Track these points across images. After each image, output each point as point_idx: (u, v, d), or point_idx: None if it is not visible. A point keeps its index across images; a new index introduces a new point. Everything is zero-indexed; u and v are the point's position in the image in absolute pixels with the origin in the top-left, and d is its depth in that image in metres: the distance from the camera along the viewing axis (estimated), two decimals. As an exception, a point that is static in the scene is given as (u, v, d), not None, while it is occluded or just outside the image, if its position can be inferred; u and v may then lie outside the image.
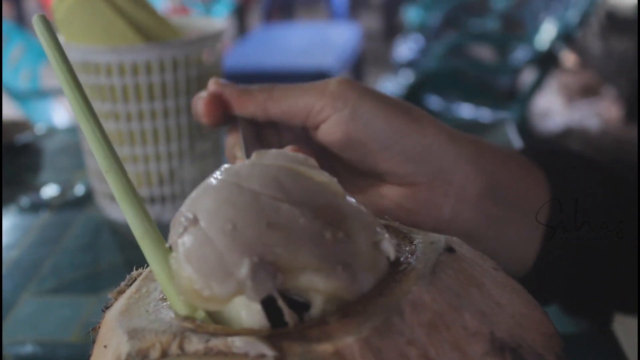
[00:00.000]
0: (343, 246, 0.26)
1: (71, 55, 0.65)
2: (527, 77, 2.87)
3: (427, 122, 0.43)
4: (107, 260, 0.65)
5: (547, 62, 2.88)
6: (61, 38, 0.66)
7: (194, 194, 0.28)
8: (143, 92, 0.65)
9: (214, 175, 0.28)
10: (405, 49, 3.52)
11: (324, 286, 0.25)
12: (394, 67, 3.40)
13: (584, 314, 0.52)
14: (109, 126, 0.66)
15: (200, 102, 0.45)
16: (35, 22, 0.31)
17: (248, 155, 0.42)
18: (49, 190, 0.79)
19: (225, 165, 0.29)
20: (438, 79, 2.70)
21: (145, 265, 0.30)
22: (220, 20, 0.72)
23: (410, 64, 3.24)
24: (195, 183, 0.67)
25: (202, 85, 0.65)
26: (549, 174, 0.47)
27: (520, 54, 2.99)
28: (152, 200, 0.69)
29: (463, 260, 0.30)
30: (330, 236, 0.26)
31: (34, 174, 0.84)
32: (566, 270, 0.47)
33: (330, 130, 0.43)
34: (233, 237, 0.25)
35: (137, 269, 0.33)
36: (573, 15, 2.97)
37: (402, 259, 0.29)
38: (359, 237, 0.27)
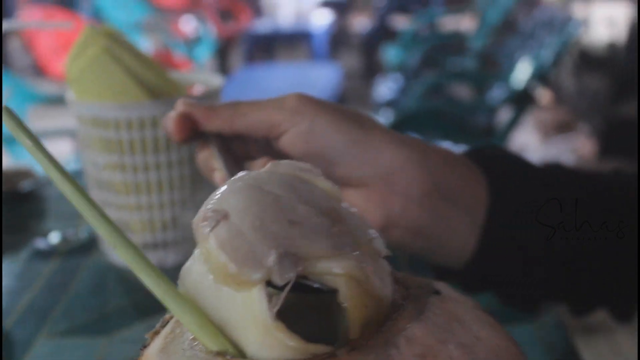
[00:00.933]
0: (347, 238, 0.32)
1: (82, 112, 0.70)
2: (504, 114, 2.95)
3: (377, 130, 0.50)
4: (114, 303, 0.69)
5: (523, 100, 2.96)
6: (72, 95, 0.72)
7: (218, 195, 0.32)
8: (149, 145, 0.70)
9: (235, 180, 0.33)
10: (385, 88, 3.60)
11: (338, 268, 0.30)
12: (374, 106, 3.48)
13: (516, 302, 0.57)
14: (115, 177, 0.71)
15: (170, 121, 0.50)
16: (4, 116, 0.34)
17: (227, 167, 0.48)
18: (55, 237, 0.83)
19: (242, 172, 0.34)
20: (417, 118, 2.78)
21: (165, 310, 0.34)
22: (219, 77, 0.78)
23: (390, 103, 3.32)
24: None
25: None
26: (488, 174, 0.53)
27: (497, 92, 3.07)
28: (156, 245, 0.74)
29: (448, 301, 0.35)
30: (337, 230, 0.32)
31: (40, 221, 0.89)
32: (501, 262, 0.53)
33: (290, 142, 0.48)
34: (261, 231, 0.30)
35: (144, 311, 0.37)
36: (547, 54, 3.07)
37: (398, 301, 0.34)
38: (357, 234, 0.33)
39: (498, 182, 0.53)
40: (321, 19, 4.52)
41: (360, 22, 7.26)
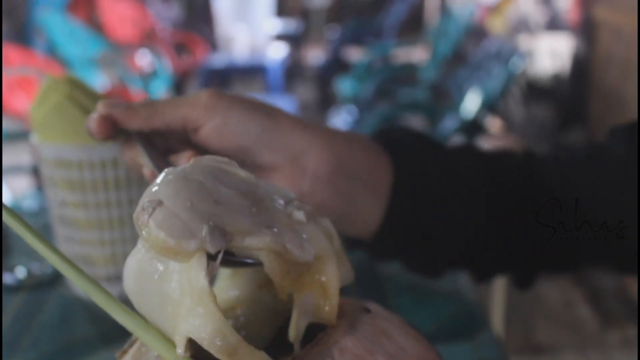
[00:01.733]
0: (266, 216, 0.38)
1: (46, 153, 0.75)
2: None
3: (285, 118, 0.55)
4: (80, 332, 0.74)
5: (473, 129, 3.06)
6: (36, 138, 0.76)
7: (150, 189, 0.37)
8: (110, 183, 0.75)
9: (164, 174, 0.38)
10: (340, 119, 3.68)
11: (259, 243, 0.36)
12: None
13: (419, 269, 0.64)
14: (79, 214, 0.76)
15: (92, 121, 0.52)
16: (4, 214, 0.38)
17: (153, 162, 0.52)
18: (21, 272, 0.87)
19: (168, 169, 0.39)
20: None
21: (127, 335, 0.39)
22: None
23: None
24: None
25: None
26: (393, 154, 0.59)
27: (449, 122, 3.17)
28: (118, 277, 0.79)
29: (377, 318, 0.41)
30: (256, 210, 0.38)
31: (6, 256, 0.93)
32: (404, 233, 0.59)
33: (206, 136, 0.53)
34: (192, 211, 0.36)
35: (109, 339, 0.42)
36: (495, 85, 3.18)
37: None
38: (275, 212, 0.39)
39: (402, 161, 0.59)
40: (276, 53, 4.60)
41: (315, 55, 7.38)
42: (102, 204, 0.76)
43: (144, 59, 5.12)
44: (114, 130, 0.53)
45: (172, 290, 0.35)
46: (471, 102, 3.13)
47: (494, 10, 4.45)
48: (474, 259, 0.64)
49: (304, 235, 0.39)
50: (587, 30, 3.26)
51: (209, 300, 0.34)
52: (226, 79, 4.39)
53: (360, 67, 4.38)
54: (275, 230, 0.38)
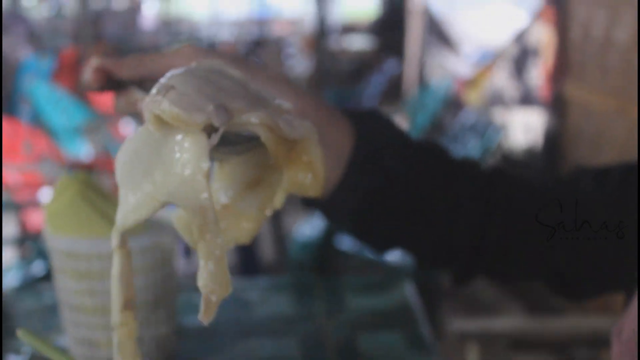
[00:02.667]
0: (258, 100, 0.46)
1: (58, 245, 0.83)
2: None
3: (260, 72, 0.62)
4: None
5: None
6: (49, 230, 0.84)
7: (162, 79, 0.45)
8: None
9: (171, 72, 0.46)
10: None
11: (254, 118, 0.45)
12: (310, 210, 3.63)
13: (368, 240, 0.70)
14: (85, 300, 0.84)
15: (88, 72, 0.59)
16: (22, 336, 0.46)
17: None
18: (26, 354, 0.94)
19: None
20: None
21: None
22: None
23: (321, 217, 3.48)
24: (158, 343, 0.84)
25: (165, 264, 0.84)
26: (357, 124, 0.66)
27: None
28: (119, 358, 0.86)
29: None
30: (251, 95, 0.46)
31: (11, 339, 0.99)
32: (357, 200, 0.65)
33: None
34: (200, 93, 0.44)
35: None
36: (473, 157, 3.29)
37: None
38: (265, 99, 0.47)
39: (363, 131, 0.66)
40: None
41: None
42: (108, 292, 0.83)
43: (127, 128, 5.21)
44: (107, 80, 0.60)
45: (169, 159, 0.43)
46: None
47: (470, 83, 4.62)
48: (417, 241, 0.70)
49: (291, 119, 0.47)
50: (557, 106, 3.41)
51: (202, 177, 0.42)
52: (209, 149, 4.50)
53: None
54: (268, 110, 0.46)
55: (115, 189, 0.92)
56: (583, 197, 0.68)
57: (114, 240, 0.44)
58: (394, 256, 2.61)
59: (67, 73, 7.29)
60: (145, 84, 0.62)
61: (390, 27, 10.70)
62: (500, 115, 4.01)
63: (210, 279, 0.42)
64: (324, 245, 2.67)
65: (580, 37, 3.17)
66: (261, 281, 1.16)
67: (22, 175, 3.45)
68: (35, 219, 3.10)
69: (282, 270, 3.07)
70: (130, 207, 0.44)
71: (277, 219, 3.14)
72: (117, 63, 0.61)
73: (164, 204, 0.43)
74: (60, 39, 12.82)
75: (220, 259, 0.42)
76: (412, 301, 1.05)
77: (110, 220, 0.83)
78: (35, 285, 2.06)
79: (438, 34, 6.02)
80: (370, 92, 6.25)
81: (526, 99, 3.89)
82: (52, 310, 1.02)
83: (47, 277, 2.05)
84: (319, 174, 0.48)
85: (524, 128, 3.87)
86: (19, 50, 5.58)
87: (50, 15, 16.26)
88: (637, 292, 0.48)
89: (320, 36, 11.82)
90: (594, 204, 0.67)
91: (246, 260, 2.79)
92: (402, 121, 5.13)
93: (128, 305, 0.45)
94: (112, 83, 0.61)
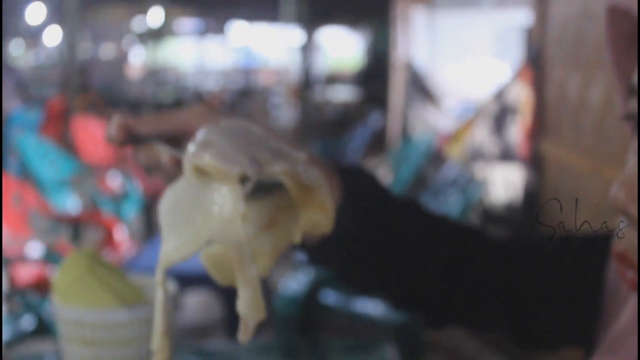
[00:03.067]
0: (279, 152, 0.54)
1: (66, 315, 0.91)
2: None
3: (269, 129, 0.68)
4: None
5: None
6: (57, 301, 0.92)
7: (198, 137, 0.54)
8: (119, 342, 0.90)
9: (205, 130, 0.55)
10: (305, 243, 3.83)
11: (279, 169, 0.52)
12: (295, 265, 3.70)
13: (353, 284, 0.80)
14: (90, 366, 0.91)
15: (112, 128, 0.66)
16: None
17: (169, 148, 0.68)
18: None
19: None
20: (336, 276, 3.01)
21: None
22: (172, 284, 0.99)
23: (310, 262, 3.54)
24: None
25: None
26: (344, 181, 0.74)
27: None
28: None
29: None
30: (273, 150, 0.54)
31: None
32: (343, 248, 0.73)
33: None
34: (235, 148, 0.52)
35: None
36: (454, 211, 3.39)
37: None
38: (284, 152, 0.55)
39: (350, 186, 0.74)
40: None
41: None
42: (112, 358, 0.91)
43: (114, 181, 5.27)
44: (129, 136, 0.67)
45: (211, 203, 0.51)
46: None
47: (451, 137, 4.74)
48: (392, 287, 0.79)
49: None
50: (536, 163, 3.53)
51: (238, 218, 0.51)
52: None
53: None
54: (287, 161, 0.54)
55: (102, 242, 0.99)
56: (545, 262, 0.77)
57: (158, 276, 0.52)
58: (377, 311, 2.68)
59: (54, 123, 7.38)
60: (162, 139, 0.70)
61: (374, 78, 10.87)
62: (481, 170, 4.12)
63: (248, 305, 0.50)
64: (309, 300, 2.74)
65: (556, 98, 3.29)
66: (249, 343, 1.23)
67: (11, 229, 3.50)
68: (24, 274, 3.15)
69: (268, 324, 3.13)
70: (175, 247, 0.52)
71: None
72: (137, 120, 0.68)
73: (206, 243, 0.52)
74: (47, 88, 12.93)
75: (255, 287, 0.51)
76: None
77: (114, 293, 0.91)
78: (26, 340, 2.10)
79: (420, 88, 6.18)
80: (355, 144, 6.37)
81: (506, 155, 4.01)
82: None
83: (37, 331, 2.11)
84: (330, 214, 0.56)
85: (504, 183, 3.99)
86: (7, 102, 5.67)
87: (37, 65, 16.41)
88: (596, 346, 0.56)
89: (305, 86, 12.01)
90: (554, 270, 0.77)
91: (232, 315, 2.85)
92: (386, 173, 5.24)
93: (166, 333, 0.53)
94: (132, 138, 0.69)
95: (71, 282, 0.90)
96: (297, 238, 0.57)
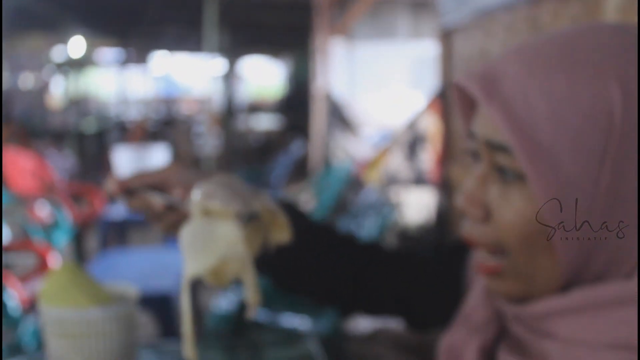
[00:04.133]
0: (259, 197, 0.82)
1: (51, 314, 1.12)
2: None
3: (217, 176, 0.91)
4: None
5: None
6: (42, 303, 1.14)
7: (201, 188, 0.80)
8: (92, 334, 1.12)
9: (206, 183, 0.81)
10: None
11: (257, 204, 0.81)
12: (230, 286, 3.91)
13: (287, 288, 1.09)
14: (71, 355, 1.13)
15: (111, 185, 0.93)
16: None
17: (158, 196, 0.94)
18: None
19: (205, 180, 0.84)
20: (265, 293, 3.23)
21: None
22: (133, 288, 1.22)
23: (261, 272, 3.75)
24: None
25: (129, 325, 1.14)
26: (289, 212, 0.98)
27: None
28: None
29: None
30: (253, 194, 0.82)
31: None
32: (284, 263, 1.01)
33: (174, 185, 0.93)
34: (231, 194, 0.79)
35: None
36: (372, 233, 3.66)
37: None
38: (261, 198, 0.83)
39: (296, 217, 0.98)
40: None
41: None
42: (89, 348, 1.13)
43: (44, 210, 5.36)
44: (123, 189, 0.94)
45: (219, 234, 0.76)
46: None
47: (369, 164, 5.04)
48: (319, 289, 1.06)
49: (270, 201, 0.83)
50: (445, 186, 3.84)
51: (240, 242, 0.76)
52: (124, 230, 4.71)
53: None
54: (262, 201, 0.81)
55: (36, 269, 1.21)
56: (423, 267, 1.05)
57: (185, 286, 0.77)
58: (304, 326, 2.92)
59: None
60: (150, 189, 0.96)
61: (295, 107, 11.11)
62: (396, 194, 4.43)
63: (252, 293, 0.78)
64: (239, 317, 2.95)
65: (461, 128, 3.60)
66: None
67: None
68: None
69: (200, 339, 3.31)
70: (197, 265, 0.77)
71: (195, 292, 3.39)
72: (130, 178, 0.94)
73: (217, 261, 0.77)
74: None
75: (254, 282, 0.79)
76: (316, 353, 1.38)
77: (89, 295, 1.14)
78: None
79: (340, 117, 6.48)
80: (278, 171, 6.62)
81: (419, 180, 4.33)
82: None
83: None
84: (287, 230, 0.85)
85: (418, 205, 4.30)
86: None
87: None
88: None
89: (228, 115, 12.20)
90: (430, 273, 1.04)
91: (165, 329, 3.04)
92: (308, 199, 5.50)
93: (194, 335, 0.78)
94: (126, 191, 0.95)
95: (55, 289, 1.12)
96: (268, 244, 0.85)
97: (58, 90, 15.58)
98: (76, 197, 5.96)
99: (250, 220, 0.80)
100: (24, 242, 4.07)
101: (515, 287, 0.70)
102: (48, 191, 5.54)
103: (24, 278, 3.77)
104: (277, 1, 11.15)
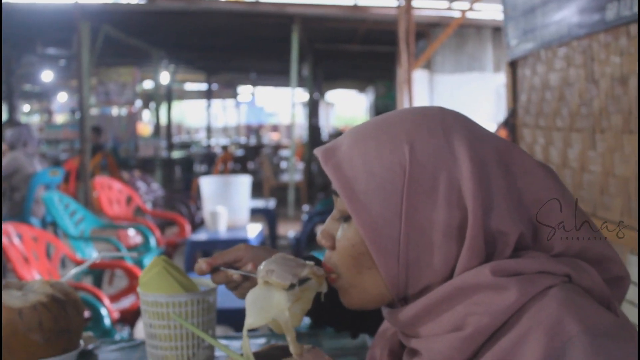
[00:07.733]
0: (307, 265, 1.09)
1: (147, 298, 1.45)
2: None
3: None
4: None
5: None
6: (141, 289, 1.47)
7: (263, 266, 1.06)
8: (182, 315, 1.45)
9: (265, 262, 1.10)
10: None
11: (305, 272, 1.07)
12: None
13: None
14: (163, 331, 1.46)
15: (203, 264, 1.22)
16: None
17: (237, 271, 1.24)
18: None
19: (266, 261, 1.09)
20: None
21: None
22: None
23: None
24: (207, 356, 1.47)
25: (209, 308, 1.46)
26: None
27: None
28: (181, 369, 1.47)
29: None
30: (303, 264, 1.09)
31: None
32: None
33: (245, 261, 1.24)
34: (284, 269, 1.06)
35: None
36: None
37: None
38: (310, 266, 1.10)
39: None
40: (253, 228, 5.31)
41: (289, 229, 8.16)
42: (175, 326, 1.46)
43: (134, 235, 5.80)
44: (211, 267, 1.26)
45: (273, 301, 1.05)
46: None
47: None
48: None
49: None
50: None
51: (286, 309, 1.05)
52: (208, 252, 5.04)
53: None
54: (310, 268, 1.08)
55: (127, 288, 1.51)
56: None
57: (245, 333, 1.04)
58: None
59: (71, 181, 7.86)
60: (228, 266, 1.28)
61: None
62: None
63: (292, 348, 1.04)
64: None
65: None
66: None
67: (43, 274, 4.00)
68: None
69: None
70: (254, 320, 1.04)
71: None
72: (213, 258, 1.24)
73: (267, 321, 1.05)
74: (55, 147, 13.38)
75: (294, 338, 1.02)
76: None
77: (179, 283, 1.47)
78: None
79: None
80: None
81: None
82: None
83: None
84: (325, 282, 1.09)
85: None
86: (31, 160, 6.21)
87: (47, 125, 17.01)
88: None
89: (312, 143, 12.49)
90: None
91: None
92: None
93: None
94: (213, 268, 1.27)
95: (151, 277, 1.45)
96: (322, 296, 1.11)
97: (147, 119, 16.21)
98: (164, 224, 6.39)
99: (303, 282, 1.07)
100: (116, 262, 4.43)
101: (351, 297, 1.02)
102: (225, 280, 5.92)
103: (115, 297, 4.17)
104: (362, 33, 11.52)
